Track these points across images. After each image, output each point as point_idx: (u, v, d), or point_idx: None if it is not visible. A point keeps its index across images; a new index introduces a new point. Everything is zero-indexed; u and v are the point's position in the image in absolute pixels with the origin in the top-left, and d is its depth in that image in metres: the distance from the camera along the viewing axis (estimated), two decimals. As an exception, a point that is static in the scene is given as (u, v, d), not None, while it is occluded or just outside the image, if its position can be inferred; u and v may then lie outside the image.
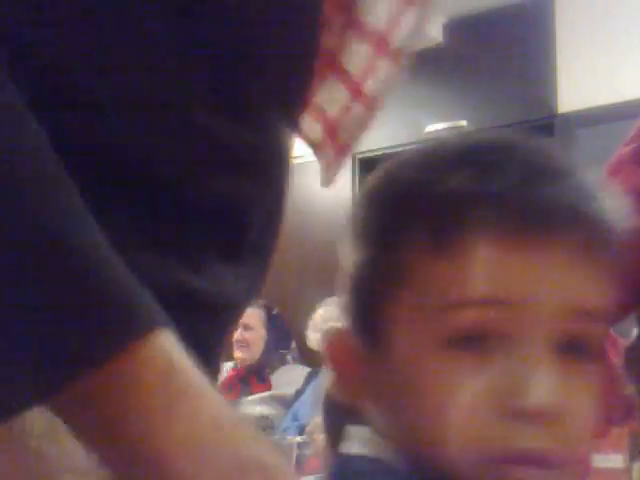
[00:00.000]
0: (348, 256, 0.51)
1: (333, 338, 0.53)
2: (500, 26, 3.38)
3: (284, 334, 3.13)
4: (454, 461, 0.46)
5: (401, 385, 0.48)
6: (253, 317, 3.05)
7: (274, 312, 3.11)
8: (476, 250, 0.46)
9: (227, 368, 3.08)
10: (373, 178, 0.52)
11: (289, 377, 2.92)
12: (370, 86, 0.57)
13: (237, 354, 3.01)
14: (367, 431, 0.51)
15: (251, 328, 3.02)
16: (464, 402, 0.45)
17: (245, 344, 2.99)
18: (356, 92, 0.57)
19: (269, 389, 2.90)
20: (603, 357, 0.50)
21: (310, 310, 2.73)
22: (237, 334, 2.98)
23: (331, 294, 2.99)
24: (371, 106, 0.58)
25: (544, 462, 0.46)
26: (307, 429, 2.30)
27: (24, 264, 0.38)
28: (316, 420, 2.14)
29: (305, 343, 2.70)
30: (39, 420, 0.43)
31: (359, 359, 0.50)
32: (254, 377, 2.96)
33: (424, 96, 3.55)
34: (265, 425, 2.73)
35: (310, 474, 1.81)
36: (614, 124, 2.70)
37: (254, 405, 2.83)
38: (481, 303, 0.46)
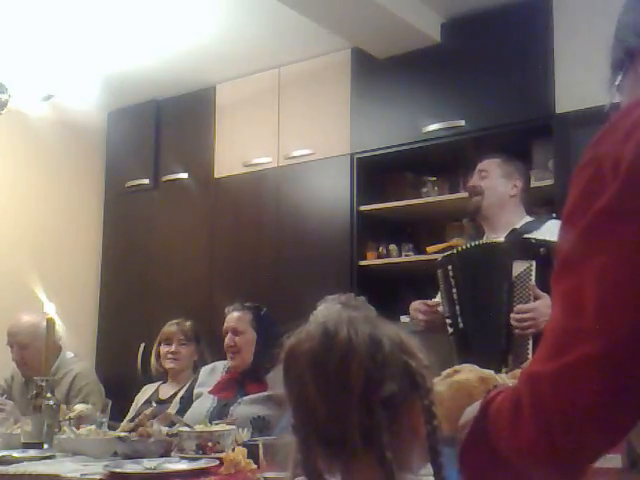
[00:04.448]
0: None
1: None
2: (499, 26, 3.39)
3: (274, 333, 3.12)
4: None
5: None
6: (241, 321, 3.03)
7: (262, 312, 3.09)
8: None
9: (224, 366, 3.09)
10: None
11: (286, 377, 2.91)
12: None
13: (230, 362, 3.00)
14: None
15: (241, 332, 3.00)
16: None
17: (236, 349, 2.96)
18: None
19: (265, 389, 2.89)
20: None
21: (310, 310, 2.73)
22: (227, 340, 2.98)
23: (331, 293, 2.98)
24: None
25: None
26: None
27: None
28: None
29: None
30: None
31: None
32: (248, 379, 2.95)
33: (422, 96, 3.55)
34: (261, 426, 2.72)
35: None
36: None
37: (250, 405, 2.82)
38: None
